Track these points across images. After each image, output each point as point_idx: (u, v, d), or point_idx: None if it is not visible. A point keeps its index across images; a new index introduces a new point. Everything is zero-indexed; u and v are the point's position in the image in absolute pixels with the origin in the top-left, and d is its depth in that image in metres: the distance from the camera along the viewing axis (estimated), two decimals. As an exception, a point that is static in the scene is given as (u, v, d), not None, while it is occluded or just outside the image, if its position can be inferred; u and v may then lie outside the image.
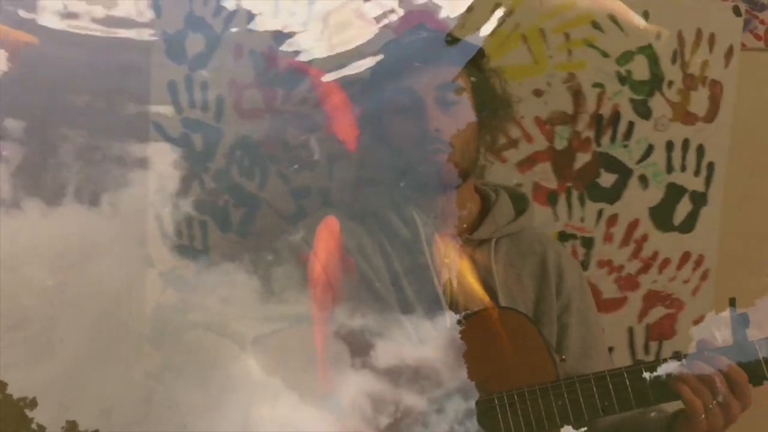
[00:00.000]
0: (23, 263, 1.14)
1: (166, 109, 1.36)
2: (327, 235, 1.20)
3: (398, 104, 1.15)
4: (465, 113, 1.15)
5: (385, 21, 1.29)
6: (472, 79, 1.17)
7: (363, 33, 1.29)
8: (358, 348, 1.07)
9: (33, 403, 1.06)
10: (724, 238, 1.40)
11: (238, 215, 1.39)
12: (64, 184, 1.23)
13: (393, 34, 1.31)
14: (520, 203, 1.22)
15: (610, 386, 1.01)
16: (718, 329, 1.05)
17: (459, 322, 1.09)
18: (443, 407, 1.04)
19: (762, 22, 1.39)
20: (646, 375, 1.01)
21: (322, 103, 1.31)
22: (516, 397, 1.02)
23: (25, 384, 1.06)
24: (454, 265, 1.15)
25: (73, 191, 1.23)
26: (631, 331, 1.41)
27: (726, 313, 1.04)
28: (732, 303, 1.02)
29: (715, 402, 0.96)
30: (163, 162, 1.36)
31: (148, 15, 1.32)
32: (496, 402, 1.03)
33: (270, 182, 1.38)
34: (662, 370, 1.00)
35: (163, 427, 1.04)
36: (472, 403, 1.03)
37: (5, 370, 1.06)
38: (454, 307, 1.13)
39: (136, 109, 1.35)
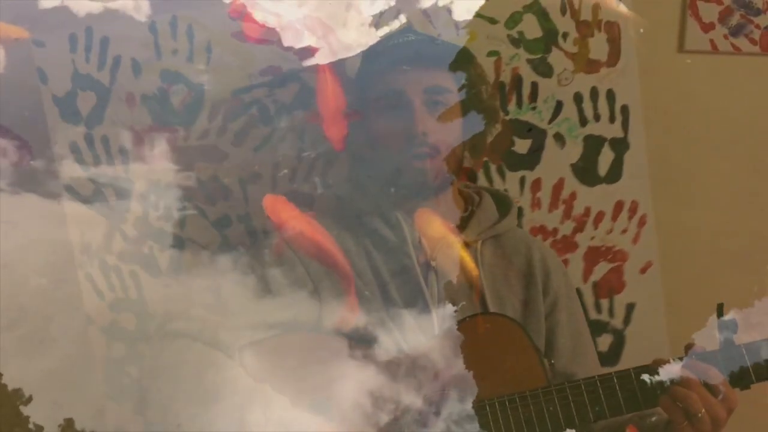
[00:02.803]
0: (20, 261, 1.17)
1: (73, 170, 1.37)
2: (279, 207, 1.21)
3: (386, 107, 1.15)
4: (452, 117, 1.15)
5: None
6: (459, 83, 1.17)
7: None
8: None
9: (28, 401, 1.08)
10: (655, 179, 1.36)
11: (165, 258, 1.39)
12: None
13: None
14: (503, 205, 1.22)
15: (601, 391, 1.02)
16: (718, 332, 1.06)
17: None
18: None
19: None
20: (636, 380, 1.01)
21: (317, 97, 1.30)
22: (507, 403, 1.03)
23: (20, 383, 1.09)
24: (441, 267, 1.14)
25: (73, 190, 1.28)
26: (578, 292, 1.38)
27: (726, 317, 1.06)
28: (719, 308, 1.04)
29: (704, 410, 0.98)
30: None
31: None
32: (488, 408, 1.03)
33: (189, 220, 1.38)
34: (652, 375, 1.02)
35: (158, 427, 1.06)
36: (467, 404, 1.04)
37: (2, 368, 1.09)
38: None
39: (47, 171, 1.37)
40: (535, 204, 1.37)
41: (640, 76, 1.34)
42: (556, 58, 1.34)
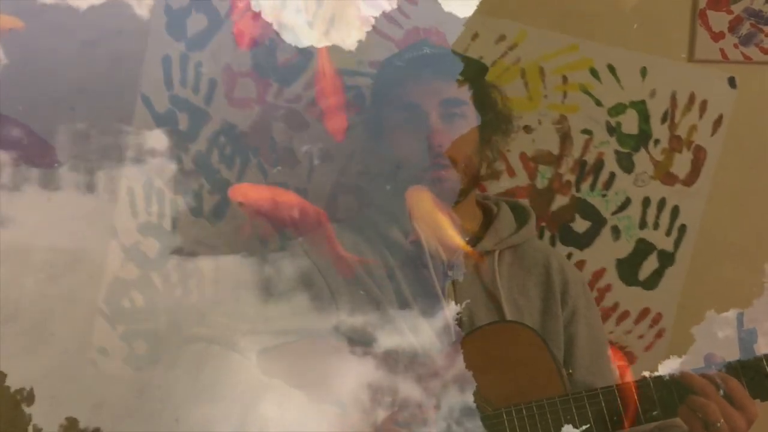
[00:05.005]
0: (18, 255, 1.13)
1: (156, 83, 1.35)
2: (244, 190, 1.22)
3: (401, 119, 1.16)
4: (467, 128, 1.17)
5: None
6: (473, 94, 1.18)
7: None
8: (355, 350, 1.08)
9: (30, 397, 1.05)
10: (685, 300, 1.42)
11: (211, 201, 1.37)
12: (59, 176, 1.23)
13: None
14: (521, 215, 1.23)
15: (619, 401, 1.01)
16: (720, 329, 1.09)
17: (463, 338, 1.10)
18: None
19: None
20: (654, 389, 1.01)
21: (318, 94, 1.31)
22: (524, 411, 1.02)
23: (18, 377, 1.06)
24: (458, 276, 1.15)
25: (69, 184, 1.23)
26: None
27: (729, 314, 1.08)
28: (739, 318, 1.04)
29: (722, 420, 0.98)
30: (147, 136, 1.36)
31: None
32: (505, 416, 1.03)
33: (248, 174, 1.37)
34: (670, 385, 1.02)
35: (155, 421, 1.04)
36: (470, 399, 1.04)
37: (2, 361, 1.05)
38: (460, 324, 1.13)
39: (127, 78, 1.34)
40: (572, 283, 1.41)
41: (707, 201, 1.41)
42: (640, 158, 1.40)
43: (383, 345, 1.08)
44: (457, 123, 1.15)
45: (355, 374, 1.06)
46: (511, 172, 1.40)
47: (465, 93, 1.18)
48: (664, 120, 1.39)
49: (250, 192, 1.27)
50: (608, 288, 1.42)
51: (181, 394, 1.05)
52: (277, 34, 1.34)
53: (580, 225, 1.41)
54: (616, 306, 1.42)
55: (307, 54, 1.35)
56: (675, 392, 1.01)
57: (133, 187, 1.35)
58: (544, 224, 1.40)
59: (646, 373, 1.04)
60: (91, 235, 1.29)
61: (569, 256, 1.41)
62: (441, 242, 1.14)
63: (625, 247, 1.41)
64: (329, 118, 1.25)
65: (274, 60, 1.35)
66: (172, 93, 1.35)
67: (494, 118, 1.22)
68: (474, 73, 1.24)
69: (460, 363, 1.05)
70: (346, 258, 1.16)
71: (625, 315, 1.42)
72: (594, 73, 1.38)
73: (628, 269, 1.41)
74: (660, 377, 1.02)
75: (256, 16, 1.29)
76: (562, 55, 1.37)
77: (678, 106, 1.39)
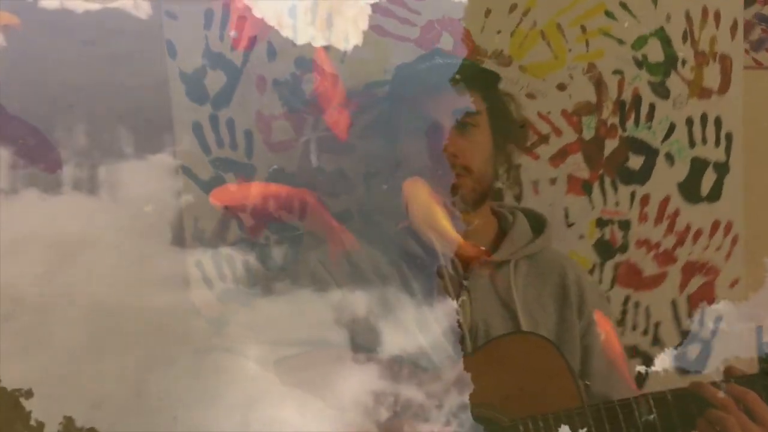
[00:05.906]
0: (18, 252, 1.10)
1: (193, 152, 1.30)
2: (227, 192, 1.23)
3: (415, 129, 1.16)
4: (481, 137, 1.17)
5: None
6: (487, 103, 1.19)
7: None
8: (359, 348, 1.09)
9: (29, 394, 1.03)
10: (748, 201, 1.46)
11: (281, 251, 1.35)
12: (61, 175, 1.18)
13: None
14: (537, 224, 1.23)
15: (637, 413, 1.01)
16: (711, 321, 1.10)
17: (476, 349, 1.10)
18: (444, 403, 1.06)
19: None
20: (672, 402, 1.01)
21: (319, 94, 1.30)
22: (541, 423, 1.02)
23: (17, 375, 1.04)
24: (474, 288, 1.16)
25: (72, 182, 1.19)
26: (674, 303, 1.46)
27: (720, 306, 1.08)
28: (759, 331, 1.06)
29: None
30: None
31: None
32: (521, 428, 1.02)
33: (310, 212, 1.35)
34: (688, 398, 1.02)
35: (154, 420, 1.03)
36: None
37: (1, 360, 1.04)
38: (473, 332, 1.13)
39: (164, 151, 1.29)
40: (642, 218, 1.44)
41: (744, 105, 1.44)
42: (673, 82, 1.42)
43: (393, 353, 1.09)
44: (470, 132, 1.16)
45: (361, 382, 1.06)
46: (558, 132, 1.40)
47: (477, 102, 1.18)
48: (685, 40, 1.41)
49: (235, 193, 1.25)
50: (677, 213, 1.45)
51: (179, 394, 1.05)
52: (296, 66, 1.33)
53: (635, 162, 1.43)
54: (688, 227, 1.46)
55: (332, 77, 1.32)
56: (693, 405, 1.00)
57: (200, 260, 1.32)
58: (602, 171, 1.42)
59: (642, 368, 1.08)
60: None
61: (633, 194, 1.44)
62: (436, 234, 1.14)
63: (681, 170, 1.45)
64: (331, 116, 1.24)
65: (302, 93, 1.33)
66: (212, 157, 1.31)
67: (508, 126, 1.22)
68: (487, 81, 1.24)
69: (474, 373, 1.06)
70: (339, 230, 1.18)
71: (698, 233, 1.46)
72: (609, 14, 1.39)
73: (690, 189, 1.45)
74: (678, 390, 1.02)
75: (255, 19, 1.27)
76: (575, 6, 1.38)
77: (694, 22, 1.41)
